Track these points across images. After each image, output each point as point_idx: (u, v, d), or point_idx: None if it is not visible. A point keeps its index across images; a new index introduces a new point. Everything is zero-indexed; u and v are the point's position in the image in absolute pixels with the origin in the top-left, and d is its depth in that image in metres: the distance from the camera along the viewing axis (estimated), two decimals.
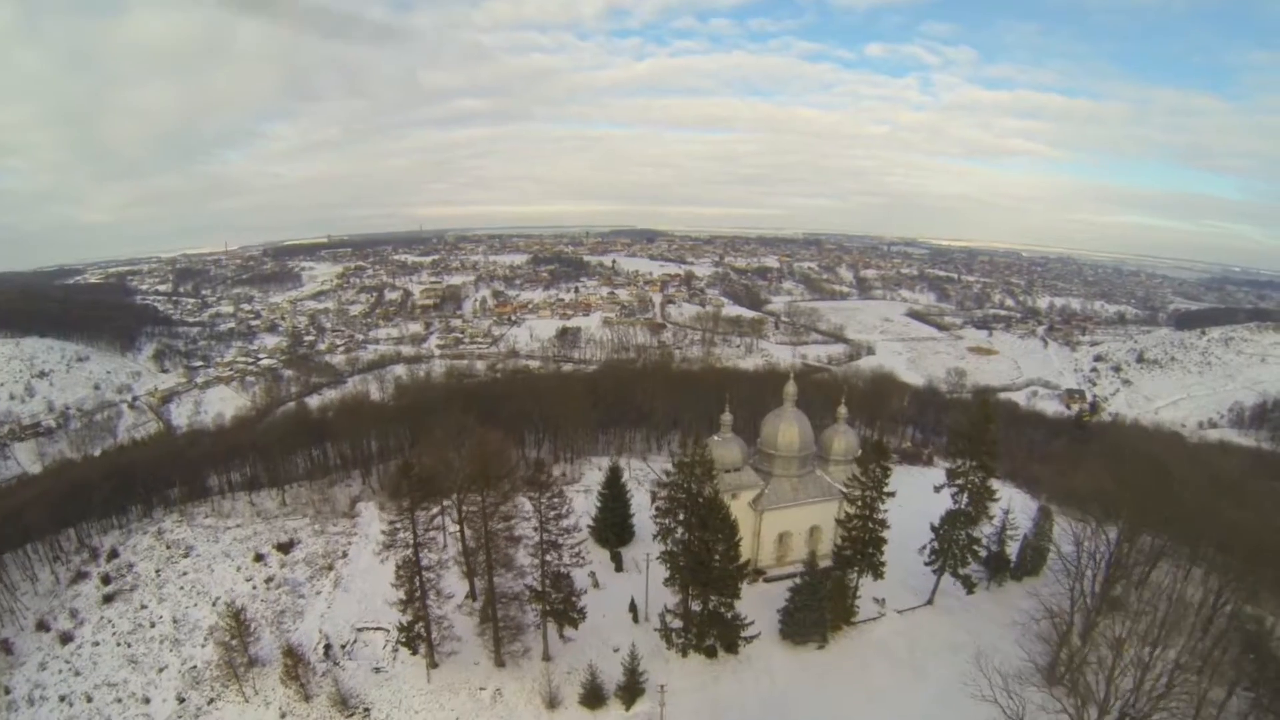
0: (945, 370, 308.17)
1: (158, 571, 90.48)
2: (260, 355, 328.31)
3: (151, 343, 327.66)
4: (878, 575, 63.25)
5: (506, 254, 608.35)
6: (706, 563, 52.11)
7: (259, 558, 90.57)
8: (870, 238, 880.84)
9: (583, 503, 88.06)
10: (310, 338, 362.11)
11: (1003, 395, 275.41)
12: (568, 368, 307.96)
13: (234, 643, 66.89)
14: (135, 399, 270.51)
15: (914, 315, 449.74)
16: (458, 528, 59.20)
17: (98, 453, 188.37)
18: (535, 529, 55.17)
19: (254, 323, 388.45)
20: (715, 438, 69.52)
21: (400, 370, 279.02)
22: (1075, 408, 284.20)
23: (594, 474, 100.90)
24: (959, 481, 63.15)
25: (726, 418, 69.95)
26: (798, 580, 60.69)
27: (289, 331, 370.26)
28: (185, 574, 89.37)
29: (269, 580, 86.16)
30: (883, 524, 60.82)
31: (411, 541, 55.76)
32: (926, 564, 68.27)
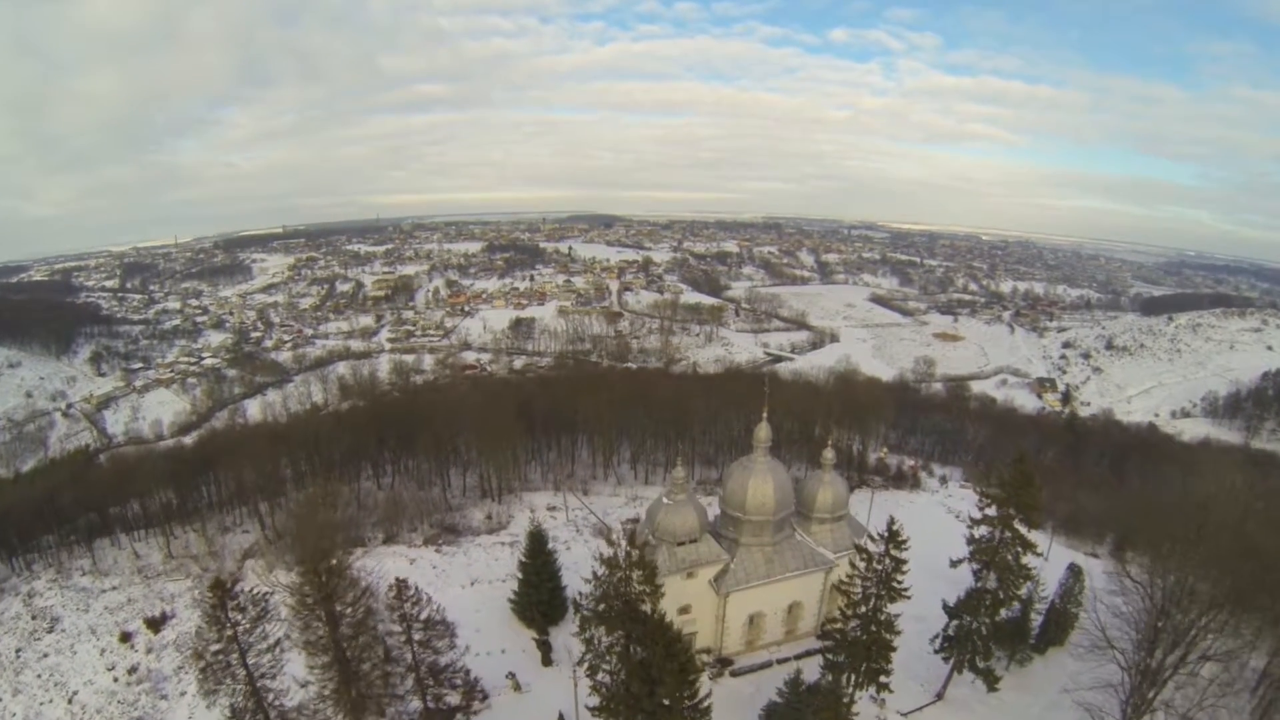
0: (913, 359, 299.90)
1: (18, 651, 74.06)
2: (203, 354, 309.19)
3: (89, 344, 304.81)
4: (881, 689, 47.49)
5: (462, 242, 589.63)
6: (650, 710, 36.19)
7: (125, 637, 73.89)
8: (830, 221, 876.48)
9: (508, 560, 71.92)
10: (257, 334, 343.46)
11: (975, 386, 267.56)
12: (519, 363, 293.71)
13: None
14: (70, 406, 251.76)
15: (877, 300, 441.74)
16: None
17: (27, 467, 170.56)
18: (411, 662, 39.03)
19: (200, 319, 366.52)
20: (664, 500, 53.03)
21: (344, 369, 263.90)
22: (1045, 397, 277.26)
23: (525, 516, 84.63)
24: (984, 557, 47.95)
25: (679, 473, 53.00)
26: (777, 696, 45.18)
27: (235, 328, 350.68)
28: (46, 656, 73.22)
29: (131, 671, 69.34)
30: (890, 625, 45.03)
31: (244, 675, 38.98)
32: (937, 653, 53.23)
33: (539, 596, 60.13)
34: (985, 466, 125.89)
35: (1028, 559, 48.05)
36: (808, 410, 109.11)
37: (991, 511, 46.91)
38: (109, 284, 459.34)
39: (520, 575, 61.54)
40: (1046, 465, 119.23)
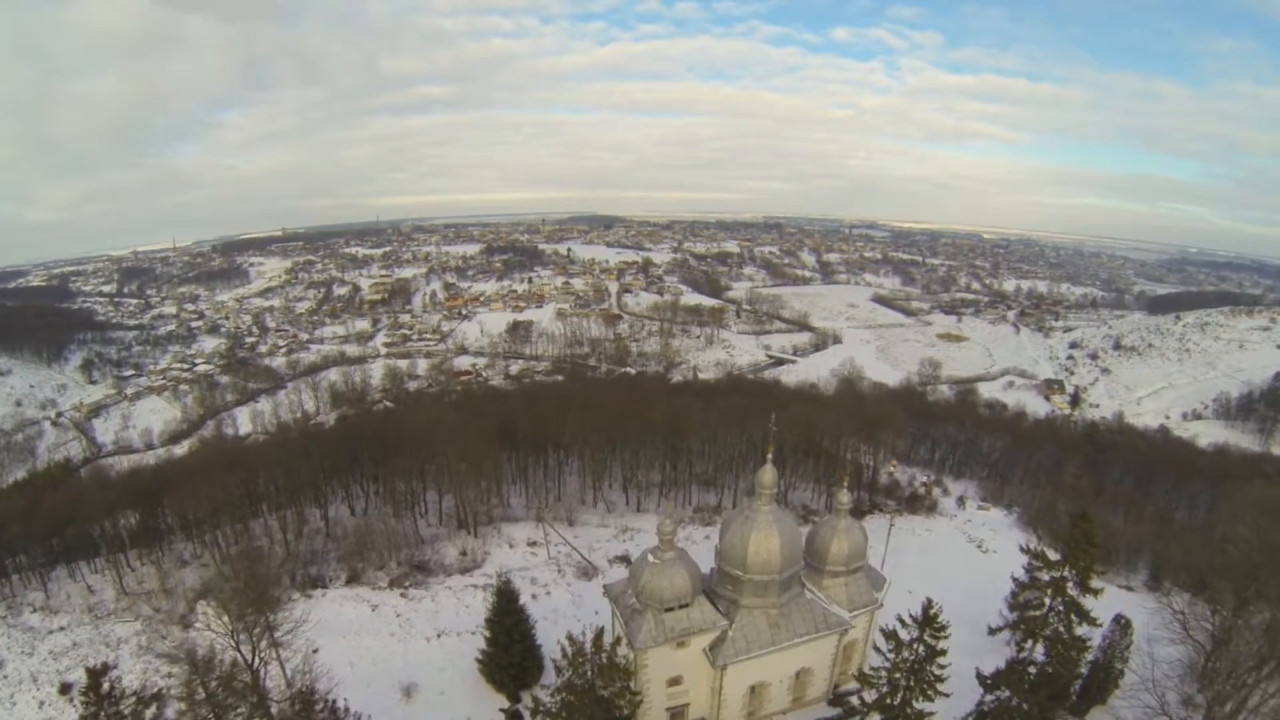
0: (918, 361, 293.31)
1: None
2: (196, 361, 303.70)
3: (81, 351, 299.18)
4: None
5: (460, 244, 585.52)
6: None
7: (65, 689, 66.33)
8: (830, 220, 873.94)
9: (480, 607, 63.72)
10: (252, 339, 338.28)
11: (982, 388, 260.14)
12: (515, 367, 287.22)
13: None
14: (60, 415, 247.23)
15: (880, 300, 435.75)
16: None
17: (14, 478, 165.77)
18: None
19: (195, 324, 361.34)
20: (650, 558, 45.13)
21: (336, 375, 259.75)
22: (1054, 399, 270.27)
23: (502, 553, 77.09)
24: (1030, 627, 40.26)
25: (667, 527, 44.78)
26: None
27: (230, 333, 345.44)
28: None
29: None
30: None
31: None
32: None
33: (509, 659, 52.25)
34: (1001, 481, 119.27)
35: (1082, 629, 40.43)
36: (814, 424, 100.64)
37: (1043, 576, 39.24)
38: (106, 289, 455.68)
39: (487, 634, 53.66)
40: (1068, 483, 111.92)
